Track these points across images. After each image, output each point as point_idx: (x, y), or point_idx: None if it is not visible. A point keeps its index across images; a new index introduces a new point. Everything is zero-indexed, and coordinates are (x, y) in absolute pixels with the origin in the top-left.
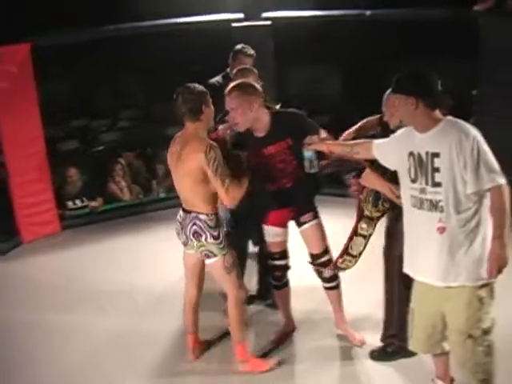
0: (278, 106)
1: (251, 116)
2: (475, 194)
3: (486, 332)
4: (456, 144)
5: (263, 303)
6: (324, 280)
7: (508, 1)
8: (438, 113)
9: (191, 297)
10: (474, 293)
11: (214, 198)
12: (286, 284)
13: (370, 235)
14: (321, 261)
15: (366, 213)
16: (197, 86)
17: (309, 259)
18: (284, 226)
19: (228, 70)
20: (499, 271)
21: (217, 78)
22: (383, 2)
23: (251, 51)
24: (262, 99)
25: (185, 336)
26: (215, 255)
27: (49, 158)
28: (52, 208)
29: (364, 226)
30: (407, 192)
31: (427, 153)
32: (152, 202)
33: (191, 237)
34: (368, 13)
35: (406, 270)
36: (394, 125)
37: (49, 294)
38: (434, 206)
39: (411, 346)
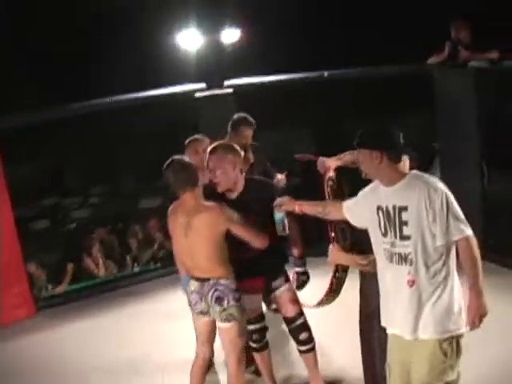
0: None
1: (233, 177)
2: (443, 246)
3: None
4: (425, 197)
5: (268, 308)
6: (299, 343)
7: (461, 53)
8: (402, 166)
9: (205, 359)
10: (438, 345)
11: (228, 261)
12: (266, 345)
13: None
14: (296, 324)
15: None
16: (183, 157)
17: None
18: (258, 292)
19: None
20: (480, 320)
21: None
22: (340, 62)
23: (252, 120)
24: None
25: None
26: (235, 318)
27: (20, 239)
28: (25, 291)
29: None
30: (380, 247)
31: (394, 206)
32: (126, 277)
33: (213, 303)
34: (326, 74)
35: (382, 322)
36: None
37: (27, 377)
38: (404, 259)
39: None
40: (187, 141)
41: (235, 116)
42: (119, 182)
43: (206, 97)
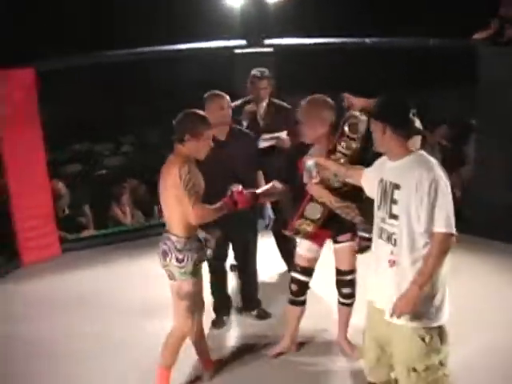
0: None
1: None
2: (428, 234)
3: (432, 367)
4: (417, 180)
5: (248, 314)
6: (341, 295)
7: (507, 30)
8: (409, 144)
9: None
10: (416, 332)
11: (187, 221)
12: (301, 303)
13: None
14: (345, 278)
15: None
16: (191, 114)
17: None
18: (320, 244)
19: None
20: (399, 315)
21: (236, 102)
22: (384, 30)
23: (265, 73)
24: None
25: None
26: (174, 278)
27: (51, 182)
28: (53, 231)
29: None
30: (375, 220)
31: (390, 183)
32: (153, 227)
33: (160, 255)
34: (368, 41)
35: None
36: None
37: (49, 312)
38: (388, 237)
39: (363, 366)
40: (208, 95)
41: (252, 71)
42: (149, 133)
43: (245, 54)
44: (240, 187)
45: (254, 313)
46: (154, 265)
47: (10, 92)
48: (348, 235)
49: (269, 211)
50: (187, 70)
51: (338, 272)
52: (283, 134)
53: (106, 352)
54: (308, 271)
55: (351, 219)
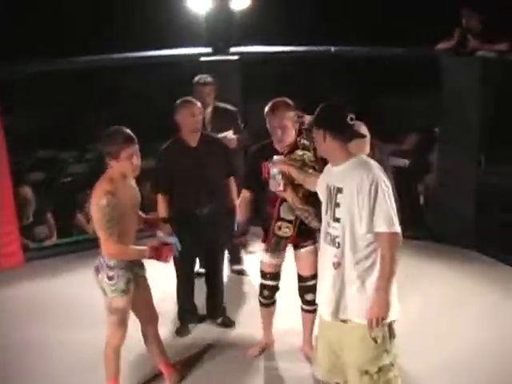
0: None
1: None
2: (371, 235)
3: (383, 369)
4: (358, 182)
5: (213, 322)
6: (304, 302)
7: (469, 41)
8: (350, 148)
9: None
10: (366, 331)
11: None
12: (272, 303)
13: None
14: (307, 284)
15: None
16: (106, 135)
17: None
18: (283, 248)
19: None
20: (378, 322)
21: None
22: (349, 39)
23: (208, 79)
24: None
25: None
26: (106, 294)
27: (14, 190)
28: (16, 240)
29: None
30: (322, 224)
31: (334, 187)
32: None
33: (94, 271)
34: (333, 49)
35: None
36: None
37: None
38: (332, 240)
39: (318, 372)
40: (180, 102)
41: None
42: None
43: (210, 62)
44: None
45: (219, 321)
46: None
47: None
48: (310, 241)
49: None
50: (154, 77)
51: (300, 278)
52: (229, 134)
53: (68, 357)
54: (276, 276)
55: (308, 223)
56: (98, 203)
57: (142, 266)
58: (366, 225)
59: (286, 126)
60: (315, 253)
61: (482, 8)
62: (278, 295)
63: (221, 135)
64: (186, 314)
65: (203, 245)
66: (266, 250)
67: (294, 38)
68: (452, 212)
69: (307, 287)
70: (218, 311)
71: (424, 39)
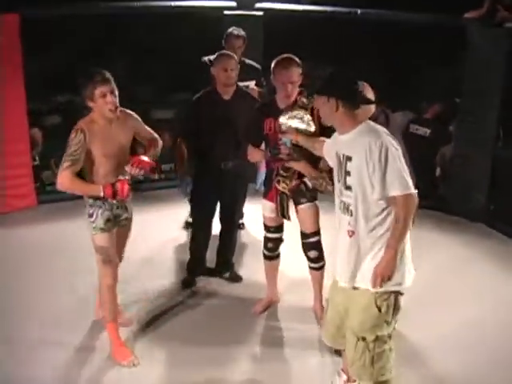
0: None
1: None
2: (384, 201)
3: (380, 339)
4: (366, 149)
5: (221, 277)
6: (309, 259)
7: (499, 12)
8: (358, 115)
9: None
10: (374, 299)
11: (91, 178)
12: (277, 256)
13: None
14: (310, 240)
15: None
16: (81, 77)
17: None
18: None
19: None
20: (381, 282)
21: (210, 57)
22: (375, 2)
23: (241, 32)
24: None
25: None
26: (90, 231)
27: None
28: (29, 182)
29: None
30: (335, 192)
31: (343, 155)
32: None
33: None
34: (359, 11)
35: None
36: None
37: (24, 260)
38: (346, 208)
39: (323, 336)
40: (217, 55)
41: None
42: (135, 89)
43: (234, 16)
44: (127, 177)
45: (227, 275)
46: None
47: None
48: (309, 196)
49: (262, 176)
50: (176, 27)
51: (303, 235)
52: (252, 84)
53: (81, 301)
54: (279, 228)
55: (323, 189)
56: (70, 135)
57: (125, 208)
58: (378, 191)
59: (296, 81)
60: (315, 208)
61: None
62: (284, 249)
63: (244, 83)
64: (196, 265)
65: (223, 198)
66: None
67: None
68: (466, 184)
69: (310, 244)
70: (228, 266)
71: (454, 7)
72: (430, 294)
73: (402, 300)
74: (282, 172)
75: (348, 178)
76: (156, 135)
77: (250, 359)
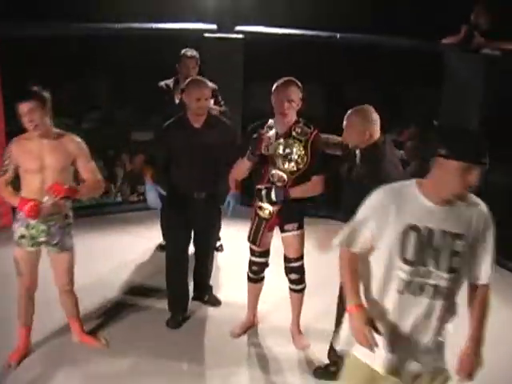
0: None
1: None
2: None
3: None
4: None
5: (200, 300)
6: (290, 281)
7: (475, 38)
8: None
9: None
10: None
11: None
12: (261, 279)
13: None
14: (293, 265)
15: (279, 164)
16: (26, 91)
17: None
18: (270, 229)
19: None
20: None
21: (167, 81)
22: (353, 26)
23: (193, 53)
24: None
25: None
26: None
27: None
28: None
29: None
30: (394, 271)
31: (444, 232)
32: (109, 205)
33: None
34: (338, 35)
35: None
36: (351, 144)
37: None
38: (436, 291)
39: None
40: (190, 82)
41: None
42: (114, 110)
43: (214, 38)
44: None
45: (205, 298)
46: (101, 242)
47: None
48: (295, 225)
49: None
50: (156, 49)
51: (286, 259)
52: (211, 102)
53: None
54: (264, 254)
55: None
56: None
57: (46, 232)
58: (485, 275)
59: (293, 100)
60: (302, 237)
61: (494, 6)
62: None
63: None
64: (177, 302)
65: (197, 226)
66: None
67: (300, 22)
68: None
69: (292, 268)
70: (206, 289)
71: (431, 32)
72: None
73: None
74: (265, 199)
75: (454, 259)
76: (98, 177)
77: (227, 380)
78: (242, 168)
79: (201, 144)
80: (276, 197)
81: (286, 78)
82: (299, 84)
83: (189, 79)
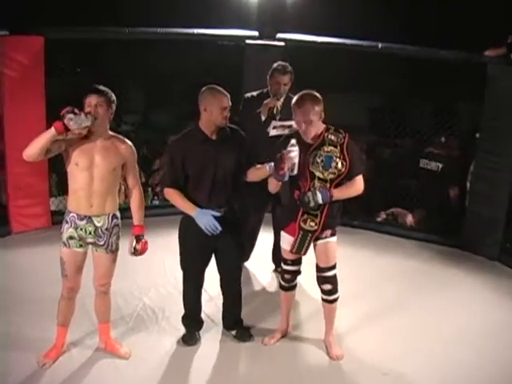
0: None
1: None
2: None
3: None
4: None
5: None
6: (322, 292)
7: None
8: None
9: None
10: None
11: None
12: (293, 287)
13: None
14: (323, 275)
15: (318, 174)
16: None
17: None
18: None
19: (268, 88)
20: None
21: (253, 93)
22: (396, 36)
23: (288, 68)
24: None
25: None
26: None
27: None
28: (44, 202)
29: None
30: None
31: None
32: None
33: None
34: (380, 45)
35: None
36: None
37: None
38: None
39: None
40: (210, 90)
41: (274, 64)
42: (150, 114)
43: (256, 45)
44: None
45: (234, 333)
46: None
47: (16, 57)
48: (329, 231)
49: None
50: (197, 54)
51: (318, 269)
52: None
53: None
54: (297, 261)
55: None
56: None
57: (93, 233)
58: None
59: (311, 120)
60: (334, 244)
61: None
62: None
63: (285, 123)
64: (192, 319)
65: (218, 248)
66: (289, 244)
67: (343, 30)
68: (482, 221)
69: (324, 278)
70: (235, 323)
71: (475, 44)
72: (429, 330)
73: (401, 333)
74: (309, 210)
75: None
76: (138, 187)
77: None
78: (272, 183)
79: (220, 157)
80: (322, 197)
81: (301, 95)
82: (316, 97)
83: (206, 87)
